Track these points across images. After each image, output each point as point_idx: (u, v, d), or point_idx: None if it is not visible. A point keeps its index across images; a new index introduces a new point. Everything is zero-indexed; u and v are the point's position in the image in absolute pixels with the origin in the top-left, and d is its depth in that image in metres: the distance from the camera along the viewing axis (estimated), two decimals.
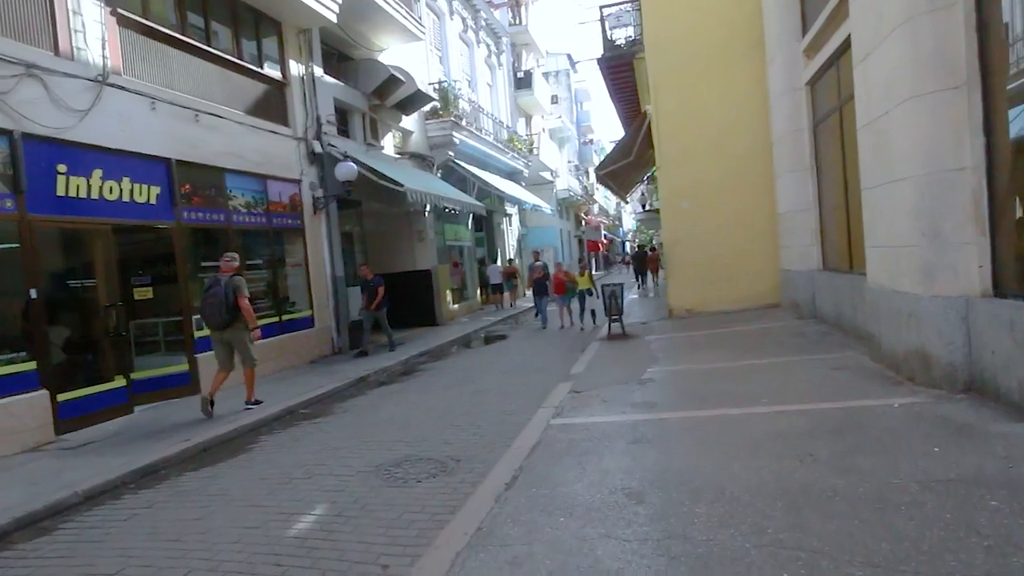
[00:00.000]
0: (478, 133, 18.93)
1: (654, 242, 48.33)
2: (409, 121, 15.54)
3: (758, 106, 11.28)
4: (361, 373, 9.30)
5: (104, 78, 7.34)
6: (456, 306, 17.90)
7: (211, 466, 5.46)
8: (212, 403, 6.97)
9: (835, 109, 8.32)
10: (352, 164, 10.97)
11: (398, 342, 12.59)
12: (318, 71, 11.61)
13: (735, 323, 10.21)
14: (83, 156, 7.10)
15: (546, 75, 38.47)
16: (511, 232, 24.50)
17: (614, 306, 10.31)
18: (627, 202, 32.76)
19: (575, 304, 13.25)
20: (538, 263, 14.55)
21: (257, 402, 7.32)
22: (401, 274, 16.26)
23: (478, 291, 20.48)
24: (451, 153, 16.76)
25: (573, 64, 44.71)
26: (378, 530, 3.72)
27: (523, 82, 27.08)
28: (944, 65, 4.83)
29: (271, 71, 10.71)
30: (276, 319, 10.22)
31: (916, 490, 3.22)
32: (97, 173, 7.25)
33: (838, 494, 3.28)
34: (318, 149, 11.29)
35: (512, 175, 23.36)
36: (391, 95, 13.68)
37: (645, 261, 24.48)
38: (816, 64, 8.88)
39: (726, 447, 4.24)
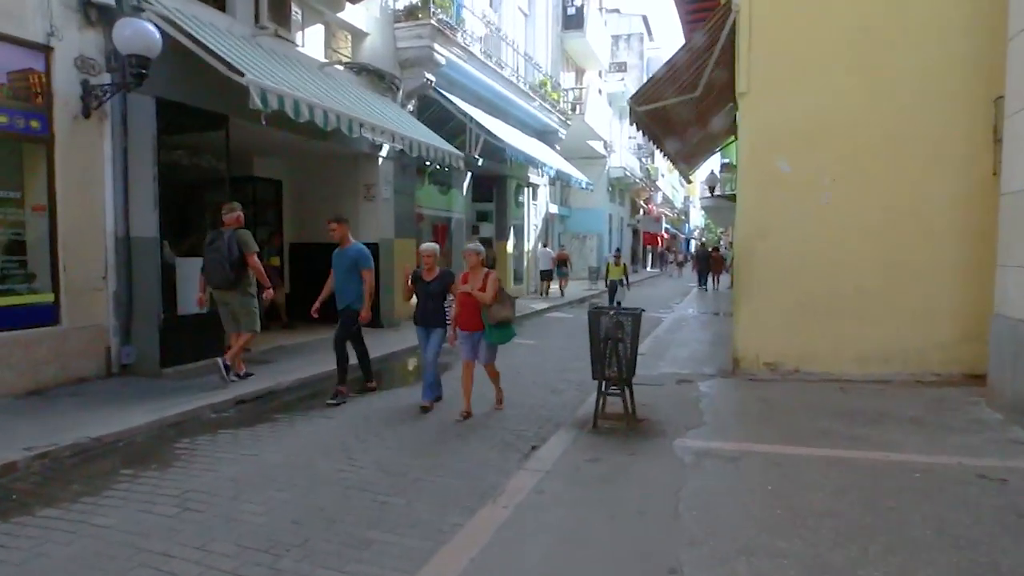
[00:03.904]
0: (487, 61, 13.41)
1: (721, 244, 40.93)
2: (360, 16, 10.17)
3: None
4: (43, 448, 4.13)
5: None
6: None
7: None
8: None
9: None
10: (146, 24, 5.69)
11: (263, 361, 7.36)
12: None
13: (887, 424, 4.48)
14: None
15: (615, 38, 32.80)
16: (535, 209, 18.91)
17: (615, 360, 4.61)
18: (690, 180, 26.50)
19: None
20: (427, 247, 5.73)
21: (248, 373, 6.45)
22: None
23: None
24: (430, 77, 11.31)
25: (648, 28, 38.24)
26: None
27: (573, 21, 21.14)
28: None
29: None
30: None
31: None
32: None
33: None
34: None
35: (543, 134, 17.73)
36: None
37: (709, 262, 22.46)
38: None
39: None
